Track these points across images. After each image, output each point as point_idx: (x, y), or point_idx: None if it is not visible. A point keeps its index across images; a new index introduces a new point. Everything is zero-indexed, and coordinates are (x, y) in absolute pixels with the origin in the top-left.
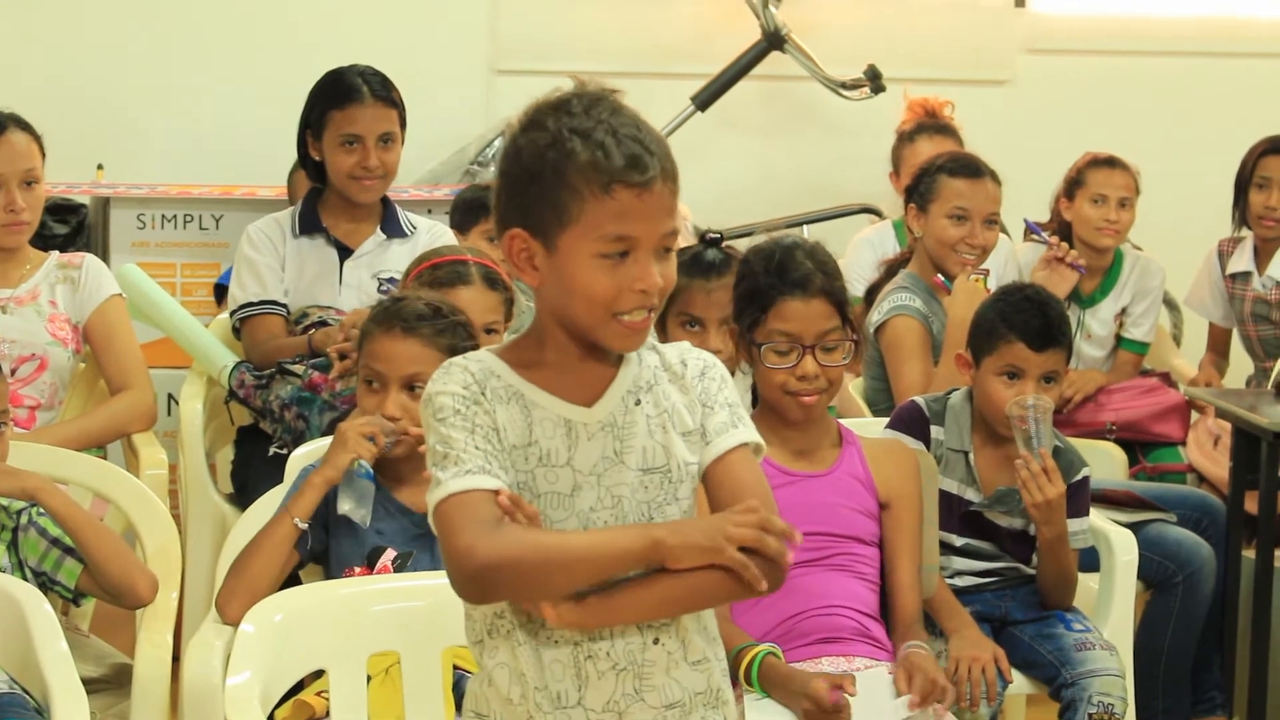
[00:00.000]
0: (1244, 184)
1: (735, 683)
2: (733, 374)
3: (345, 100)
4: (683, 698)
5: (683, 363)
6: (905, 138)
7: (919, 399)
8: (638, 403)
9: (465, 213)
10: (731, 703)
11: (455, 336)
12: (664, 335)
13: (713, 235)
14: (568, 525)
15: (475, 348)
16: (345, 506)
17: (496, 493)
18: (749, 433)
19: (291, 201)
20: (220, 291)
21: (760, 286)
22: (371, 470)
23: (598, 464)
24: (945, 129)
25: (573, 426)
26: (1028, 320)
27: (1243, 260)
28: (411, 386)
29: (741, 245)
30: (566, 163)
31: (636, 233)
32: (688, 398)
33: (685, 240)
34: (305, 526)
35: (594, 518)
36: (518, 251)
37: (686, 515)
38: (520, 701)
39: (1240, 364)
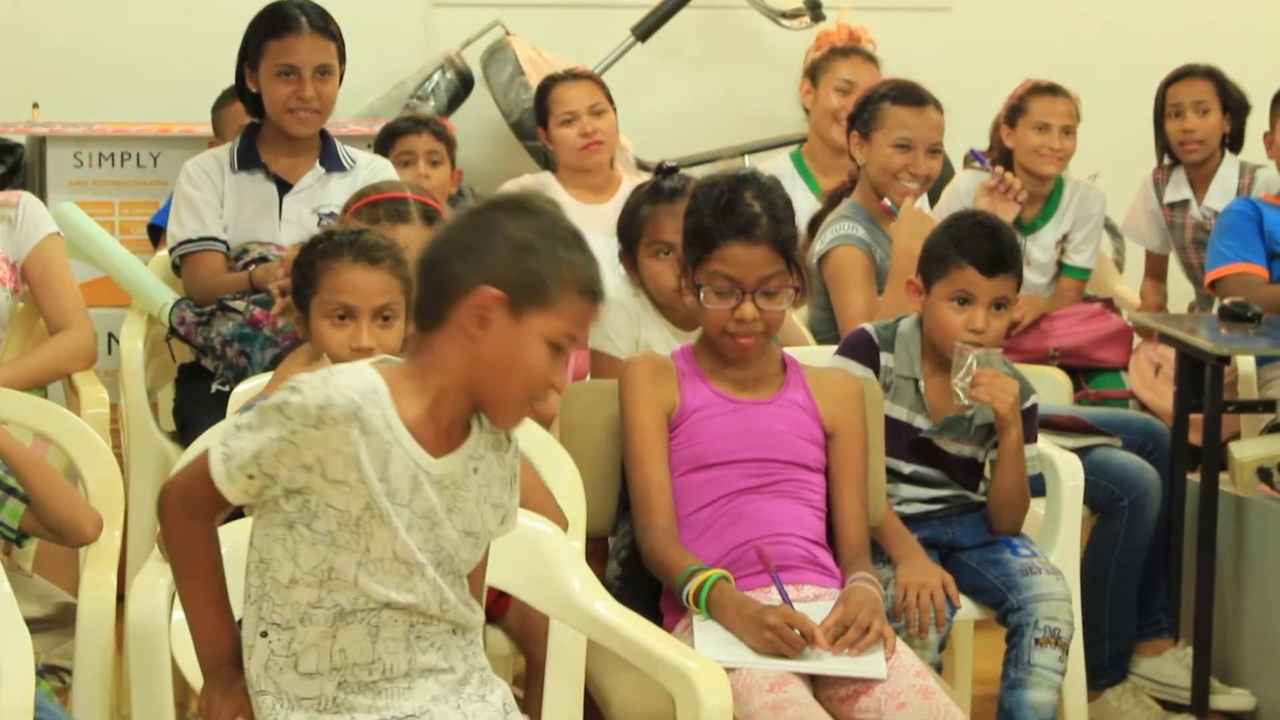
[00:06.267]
0: (1159, 118)
1: (683, 606)
2: None
3: (282, 30)
4: (468, 672)
5: (505, 435)
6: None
7: (868, 326)
8: (475, 470)
9: (378, 147)
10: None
11: (408, 269)
12: (637, 267)
13: (668, 165)
14: (388, 564)
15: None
16: None
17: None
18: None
19: (216, 136)
20: (154, 232)
21: (705, 226)
22: None
23: (430, 512)
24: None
25: (419, 472)
26: (978, 246)
27: (1179, 189)
28: (385, 317)
29: (697, 173)
30: (564, 255)
31: (580, 338)
32: (504, 473)
33: (625, 170)
34: None
35: (429, 569)
36: (479, 306)
37: None
38: (330, 674)
39: (1182, 290)
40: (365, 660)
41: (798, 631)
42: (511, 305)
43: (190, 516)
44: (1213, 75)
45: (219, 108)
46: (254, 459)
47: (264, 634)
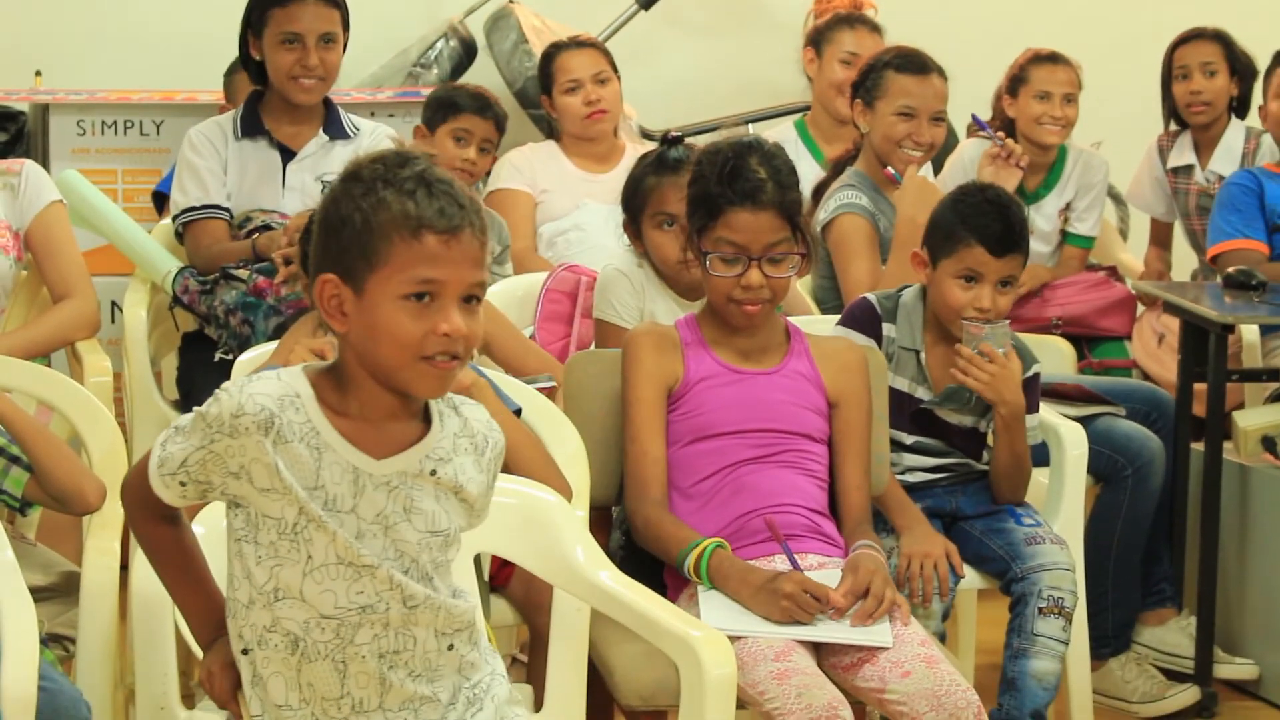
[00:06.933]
0: (1166, 80)
1: (684, 578)
2: None
3: None
4: (455, 691)
5: (485, 439)
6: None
7: (871, 296)
8: (433, 473)
9: (435, 110)
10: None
11: None
12: (641, 237)
13: (674, 135)
14: (332, 569)
15: None
16: None
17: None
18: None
19: (229, 103)
20: (159, 199)
21: (710, 193)
22: None
23: (382, 515)
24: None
25: (359, 475)
26: (988, 224)
27: (1183, 154)
28: None
29: (702, 143)
30: (379, 208)
31: (441, 277)
32: (482, 476)
33: (629, 139)
34: None
35: (384, 567)
36: (328, 298)
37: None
38: (300, 705)
39: (1186, 258)
40: (334, 695)
41: (811, 596)
42: (347, 281)
43: (148, 517)
44: (1220, 38)
45: (231, 73)
46: (182, 466)
47: (245, 651)
